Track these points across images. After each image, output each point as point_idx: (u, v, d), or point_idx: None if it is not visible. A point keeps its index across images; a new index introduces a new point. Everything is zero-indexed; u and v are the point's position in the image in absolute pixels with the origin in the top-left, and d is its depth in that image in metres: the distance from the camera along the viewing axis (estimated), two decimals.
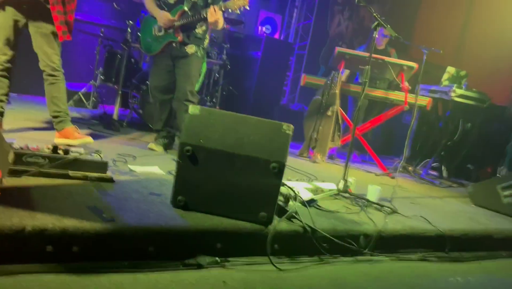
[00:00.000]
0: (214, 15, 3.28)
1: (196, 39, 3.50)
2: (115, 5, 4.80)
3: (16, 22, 3.01)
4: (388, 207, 2.95)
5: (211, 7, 3.29)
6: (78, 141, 3.13)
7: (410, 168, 4.91)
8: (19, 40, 3.09)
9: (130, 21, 4.53)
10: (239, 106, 6.43)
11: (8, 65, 3.05)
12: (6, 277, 1.53)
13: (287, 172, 2.18)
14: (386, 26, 3.23)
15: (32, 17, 3.03)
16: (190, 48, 3.48)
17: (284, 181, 2.26)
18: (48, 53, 3.10)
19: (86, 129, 3.92)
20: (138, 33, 3.51)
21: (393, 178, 4.37)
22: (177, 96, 3.56)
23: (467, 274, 2.50)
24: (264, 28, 7.41)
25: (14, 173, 2.09)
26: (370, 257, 2.40)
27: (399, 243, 2.59)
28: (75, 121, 4.29)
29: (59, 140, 3.13)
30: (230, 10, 3.31)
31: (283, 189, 2.36)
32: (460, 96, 4.84)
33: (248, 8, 3.32)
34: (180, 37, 3.44)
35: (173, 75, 3.55)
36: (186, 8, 3.42)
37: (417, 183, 4.51)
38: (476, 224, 3.12)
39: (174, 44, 3.47)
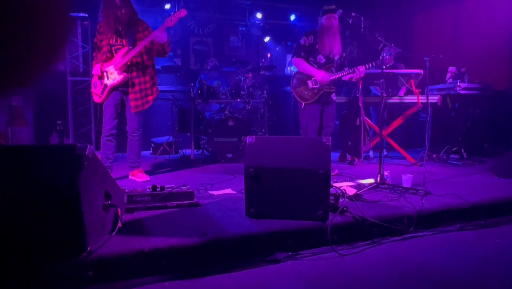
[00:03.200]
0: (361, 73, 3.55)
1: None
2: (178, 74, 5.07)
3: (118, 100, 3.27)
4: (422, 190, 2.81)
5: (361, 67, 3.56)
6: (140, 179, 3.37)
7: (434, 156, 4.63)
8: (121, 113, 3.34)
9: (192, 84, 4.76)
10: (283, 131, 6.45)
11: (113, 132, 3.29)
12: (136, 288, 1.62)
13: (332, 176, 2.14)
14: (389, 45, 3.15)
15: (126, 94, 3.28)
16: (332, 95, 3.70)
17: (332, 183, 2.22)
18: (129, 119, 3.33)
19: (171, 172, 4.09)
20: (293, 88, 3.66)
21: (421, 166, 4.14)
22: (325, 132, 3.70)
23: (503, 236, 2.30)
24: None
25: (129, 210, 2.23)
26: (415, 234, 2.27)
27: (438, 219, 2.44)
28: (163, 165, 4.50)
29: (131, 177, 3.41)
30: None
31: (332, 190, 2.32)
32: (465, 89, 4.58)
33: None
34: (333, 89, 3.64)
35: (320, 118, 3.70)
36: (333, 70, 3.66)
37: (443, 167, 4.24)
38: (502, 192, 2.87)
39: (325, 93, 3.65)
